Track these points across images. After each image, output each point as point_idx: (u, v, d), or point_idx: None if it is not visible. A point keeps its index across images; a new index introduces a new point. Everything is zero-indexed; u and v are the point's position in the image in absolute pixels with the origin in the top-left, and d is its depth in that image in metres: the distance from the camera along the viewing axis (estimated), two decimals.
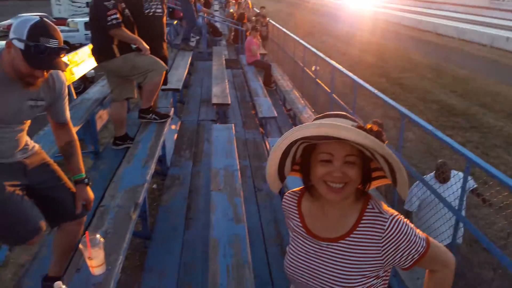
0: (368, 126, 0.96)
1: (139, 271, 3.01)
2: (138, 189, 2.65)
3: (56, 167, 2.04)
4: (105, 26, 3.25)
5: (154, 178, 3.95)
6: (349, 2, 54.35)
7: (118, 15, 3.26)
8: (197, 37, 9.99)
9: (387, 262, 1.01)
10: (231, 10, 15.06)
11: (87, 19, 19.90)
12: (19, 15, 22.52)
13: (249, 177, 4.02)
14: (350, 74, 6.16)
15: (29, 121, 1.90)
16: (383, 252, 1.00)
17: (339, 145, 0.95)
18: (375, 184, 1.10)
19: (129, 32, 3.37)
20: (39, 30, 1.57)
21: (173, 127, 4.87)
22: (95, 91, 4.22)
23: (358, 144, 0.91)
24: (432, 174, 4.04)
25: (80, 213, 1.99)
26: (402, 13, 38.57)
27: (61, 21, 21.69)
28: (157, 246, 3.15)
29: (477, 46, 23.19)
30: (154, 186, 4.21)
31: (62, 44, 1.66)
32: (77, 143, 2.06)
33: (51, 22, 1.65)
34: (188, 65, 7.10)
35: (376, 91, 5.16)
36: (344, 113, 1.03)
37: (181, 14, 9.85)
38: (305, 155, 1.05)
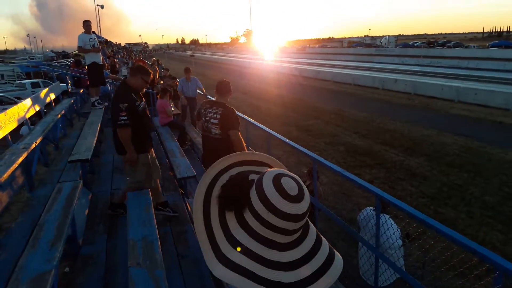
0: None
1: None
2: (46, 277, 2.38)
3: None
4: (116, 124, 3.94)
5: (67, 261, 3.59)
6: (252, 59, 57.67)
7: (126, 117, 3.90)
8: (106, 103, 9.74)
9: None
10: None
11: None
12: None
13: (171, 244, 3.83)
14: (263, 126, 6.40)
15: None
16: None
17: None
18: None
19: (129, 138, 4.02)
20: None
21: (83, 201, 4.56)
22: None
23: None
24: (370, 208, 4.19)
25: None
26: (302, 66, 41.68)
27: None
28: None
29: (371, 89, 25.80)
30: (66, 269, 3.81)
31: None
32: None
33: None
34: (97, 133, 6.83)
35: (288, 141, 5.41)
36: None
37: (88, 82, 9.60)
38: None
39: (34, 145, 4.94)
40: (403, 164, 10.92)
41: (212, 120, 4.16)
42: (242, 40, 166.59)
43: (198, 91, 10.25)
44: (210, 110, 4.20)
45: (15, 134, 8.23)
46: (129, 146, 4.06)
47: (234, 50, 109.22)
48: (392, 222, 3.56)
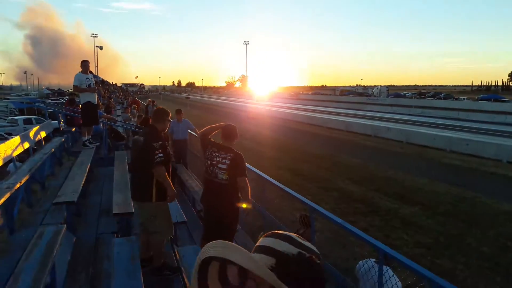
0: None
1: None
2: None
3: None
4: (152, 163, 3.80)
5: None
6: (246, 103, 58.56)
7: (162, 154, 3.85)
8: (97, 143, 9.59)
9: None
10: (129, 115, 15.12)
11: None
12: None
13: None
14: (258, 171, 6.29)
15: None
16: None
17: None
18: None
19: (166, 174, 3.90)
20: None
21: (66, 246, 4.29)
22: None
23: None
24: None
25: None
26: (295, 111, 42.33)
27: None
28: None
29: (364, 136, 26.01)
30: None
31: None
32: None
33: None
34: (86, 173, 6.62)
35: (285, 187, 5.27)
36: (291, 234, 0.86)
37: (81, 121, 9.49)
38: None
39: (18, 185, 4.71)
40: (398, 212, 10.75)
41: (220, 165, 4.06)
42: (237, 84, 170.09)
43: (191, 132, 10.18)
44: (217, 154, 4.10)
45: (2, 169, 8.00)
46: (168, 182, 3.93)
47: (229, 94, 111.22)
48: (397, 280, 3.36)
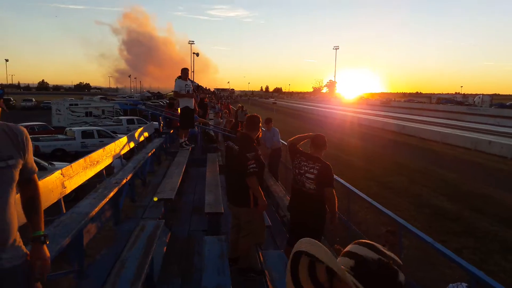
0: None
1: None
2: None
3: None
4: (245, 173, 3.85)
5: None
6: (333, 109, 57.68)
7: (255, 165, 3.88)
8: (192, 145, 10.26)
9: None
10: (220, 120, 15.87)
11: (84, 128, 20.70)
12: (19, 124, 23.16)
13: None
14: (343, 181, 6.22)
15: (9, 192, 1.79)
16: None
17: None
18: None
19: (258, 185, 3.95)
20: None
21: (162, 239, 4.71)
22: (86, 204, 4.14)
23: None
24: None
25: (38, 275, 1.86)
26: (386, 119, 40.59)
27: (60, 130, 22.34)
28: None
29: (462, 149, 24.05)
30: None
31: None
32: (40, 200, 2.00)
33: None
34: (182, 173, 7.15)
35: (373, 201, 5.17)
36: (374, 243, 0.98)
37: (178, 124, 10.25)
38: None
39: (125, 181, 5.29)
40: (498, 236, 9.78)
41: (307, 175, 4.14)
42: (324, 90, 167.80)
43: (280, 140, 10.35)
44: (305, 164, 4.19)
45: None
46: (260, 192, 3.99)
47: (316, 99, 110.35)
48: None
